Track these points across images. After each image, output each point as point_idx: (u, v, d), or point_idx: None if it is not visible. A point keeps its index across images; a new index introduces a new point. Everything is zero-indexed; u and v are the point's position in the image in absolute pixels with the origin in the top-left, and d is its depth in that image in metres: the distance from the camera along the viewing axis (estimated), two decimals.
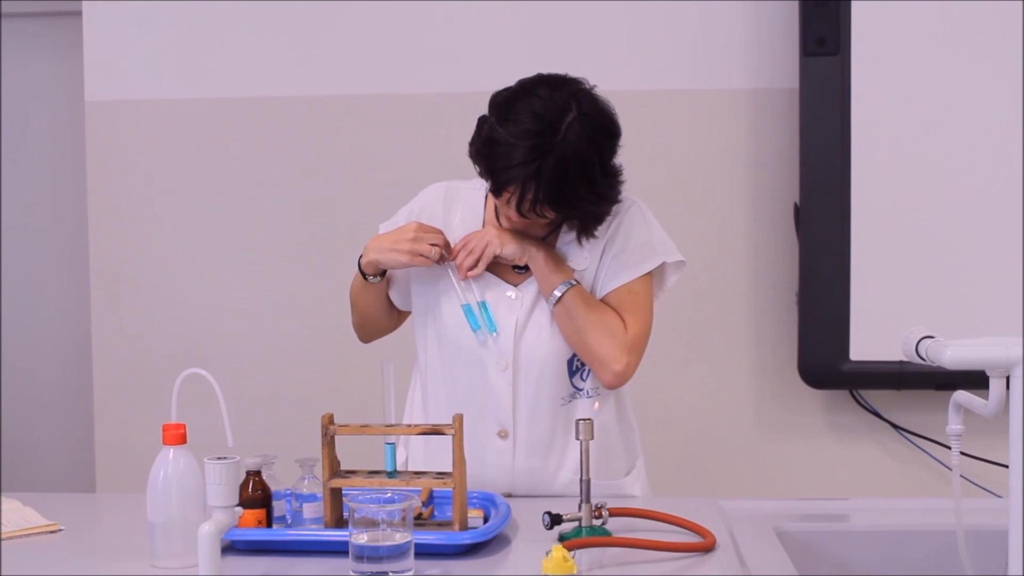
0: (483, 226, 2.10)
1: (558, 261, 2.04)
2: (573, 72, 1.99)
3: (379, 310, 2.15)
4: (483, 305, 2.04)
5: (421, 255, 1.99)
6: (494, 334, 2.02)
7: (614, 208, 2.03)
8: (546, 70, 1.99)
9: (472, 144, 1.97)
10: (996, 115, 3.06)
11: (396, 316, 2.19)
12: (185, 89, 3.37)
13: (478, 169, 1.98)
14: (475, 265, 2.01)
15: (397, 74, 3.31)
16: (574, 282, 2.01)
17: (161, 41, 3.36)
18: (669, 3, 3.25)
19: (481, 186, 2.11)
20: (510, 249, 2.01)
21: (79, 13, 3.39)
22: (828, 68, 3.08)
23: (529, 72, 1.99)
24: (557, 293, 2.00)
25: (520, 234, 2.03)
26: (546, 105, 1.89)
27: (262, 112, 3.36)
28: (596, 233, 2.02)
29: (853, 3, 3.05)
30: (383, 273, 2.07)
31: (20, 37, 3.79)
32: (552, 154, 1.86)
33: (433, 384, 2.10)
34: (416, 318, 2.14)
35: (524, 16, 3.29)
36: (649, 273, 2.06)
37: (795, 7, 3.12)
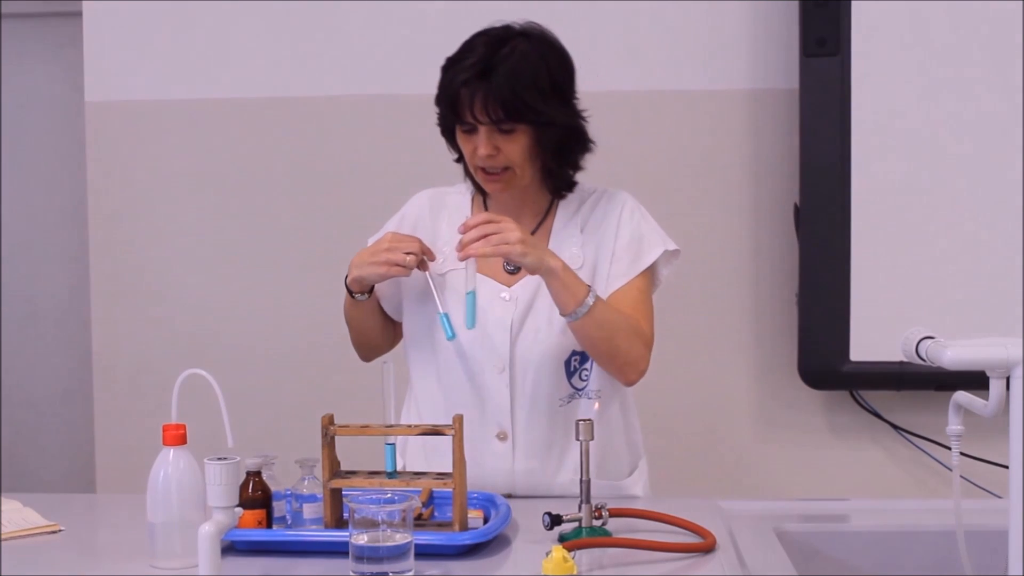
0: None
1: (571, 269, 1.96)
2: None
3: (373, 326, 2.12)
4: (471, 296, 1.93)
5: (397, 264, 1.94)
6: (471, 329, 1.93)
7: (605, 203, 2.05)
8: None
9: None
10: (996, 115, 3.06)
11: (393, 330, 2.16)
12: (185, 89, 3.36)
13: (439, 112, 2.02)
14: (477, 247, 1.90)
15: (397, 74, 3.31)
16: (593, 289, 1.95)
17: (161, 41, 3.36)
18: (669, 3, 3.25)
19: (467, 190, 2.12)
20: (530, 259, 1.89)
21: (79, 13, 3.38)
22: (828, 68, 3.08)
23: None
24: (590, 301, 1.91)
25: (539, 247, 1.94)
26: (496, 32, 2.00)
27: (262, 112, 3.36)
28: (588, 228, 2.04)
29: (853, 3, 3.05)
30: (371, 290, 2.05)
31: (20, 37, 3.79)
32: (502, 56, 1.94)
33: (430, 389, 2.08)
34: (406, 331, 2.11)
35: (524, 17, 3.26)
36: (648, 268, 2.06)
37: (795, 7, 3.11)
